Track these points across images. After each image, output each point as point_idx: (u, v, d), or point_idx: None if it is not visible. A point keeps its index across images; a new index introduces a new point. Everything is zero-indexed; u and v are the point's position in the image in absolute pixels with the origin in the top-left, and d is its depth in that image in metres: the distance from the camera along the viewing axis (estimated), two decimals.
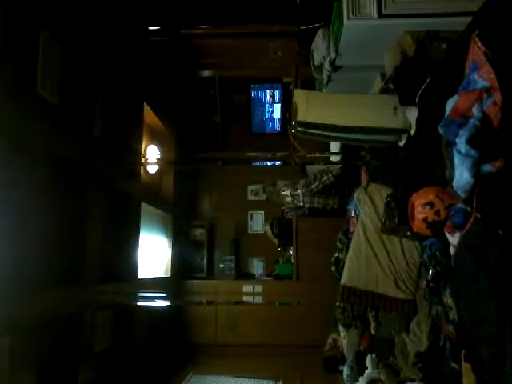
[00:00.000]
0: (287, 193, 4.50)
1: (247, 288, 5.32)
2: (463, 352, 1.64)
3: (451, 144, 1.48)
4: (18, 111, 2.22)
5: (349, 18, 2.66)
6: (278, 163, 5.97)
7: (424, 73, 2.19)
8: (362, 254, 2.57)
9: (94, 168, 3.12)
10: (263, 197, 5.69)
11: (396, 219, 2.14)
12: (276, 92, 5.92)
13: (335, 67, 3.21)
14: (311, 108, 2.64)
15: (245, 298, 5.28)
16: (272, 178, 4.81)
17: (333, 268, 3.79)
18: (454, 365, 1.75)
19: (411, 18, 2.54)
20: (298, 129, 2.69)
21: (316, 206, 4.42)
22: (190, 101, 5.85)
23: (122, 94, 3.63)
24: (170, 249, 5.30)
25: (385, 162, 3.11)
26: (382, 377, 2.68)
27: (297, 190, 4.43)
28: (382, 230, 2.44)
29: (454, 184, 1.46)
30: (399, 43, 2.53)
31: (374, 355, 3.14)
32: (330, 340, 4.32)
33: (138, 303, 4.06)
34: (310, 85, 4.06)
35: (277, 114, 5.96)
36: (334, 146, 4.57)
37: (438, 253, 1.98)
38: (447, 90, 1.74)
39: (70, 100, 2.72)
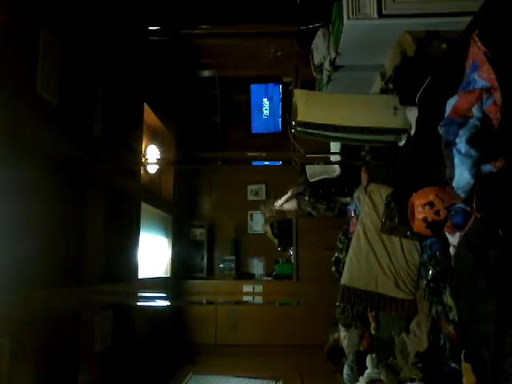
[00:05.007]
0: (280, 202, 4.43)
1: (247, 288, 5.32)
2: (463, 352, 1.64)
3: (451, 144, 1.48)
4: (18, 111, 2.22)
5: (349, 17, 2.66)
6: (278, 163, 5.97)
7: (424, 73, 2.19)
8: (362, 254, 2.57)
9: (94, 168, 3.11)
10: (263, 197, 5.70)
11: (396, 219, 2.14)
12: (276, 92, 5.92)
13: (335, 67, 3.21)
14: (311, 108, 2.64)
15: (245, 298, 5.28)
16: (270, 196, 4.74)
17: (333, 268, 3.79)
18: (453, 365, 1.76)
19: (411, 18, 2.54)
20: (298, 129, 2.69)
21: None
22: (190, 101, 5.85)
23: (122, 93, 3.63)
24: (170, 249, 5.30)
25: (385, 162, 3.11)
26: (382, 377, 2.68)
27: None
28: (381, 230, 2.44)
29: (454, 184, 1.46)
30: (399, 43, 2.53)
31: (373, 355, 3.15)
32: (336, 336, 4.30)
33: (138, 303, 4.06)
34: (310, 85, 4.05)
35: (277, 114, 5.96)
36: (334, 146, 4.56)
37: (437, 253, 1.98)
38: (447, 89, 1.74)
39: (70, 100, 2.72)
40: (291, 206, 4.36)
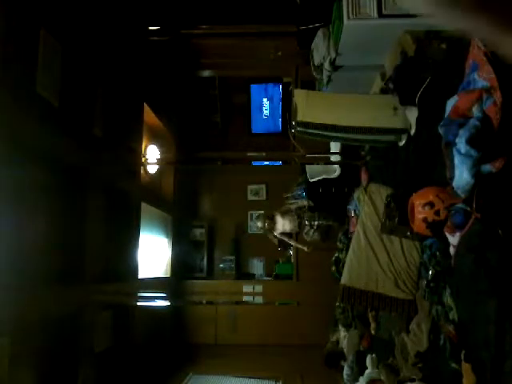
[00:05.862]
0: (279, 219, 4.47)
1: (247, 288, 5.32)
2: (463, 352, 1.64)
3: (451, 144, 1.48)
4: (17, 111, 2.21)
5: (349, 17, 2.66)
6: (278, 163, 5.97)
7: (424, 73, 2.19)
8: (362, 254, 2.57)
9: (94, 168, 3.11)
10: (263, 197, 5.71)
11: (396, 219, 2.14)
12: (276, 92, 5.92)
13: (335, 67, 3.21)
14: (311, 108, 2.64)
15: (245, 298, 5.28)
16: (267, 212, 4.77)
17: (333, 268, 3.80)
18: (453, 365, 1.75)
19: (411, 18, 2.54)
20: (298, 129, 2.69)
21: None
22: (190, 101, 5.85)
23: (122, 94, 3.63)
24: (170, 249, 5.30)
25: (385, 162, 3.11)
26: (382, 377, 2.68)
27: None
28: (381, 230, 2.44)
29: (454, 184, 1.46)
30: (399, 43, 2.53)
31: (373, 355, 3.15)
32: (334, 338, 4.31)
33: (138, 303, 4.06)
34: (310, 85, 4.05)
35: (277, 114, 5.96)
36: (334, 146, 4.57)
37: (438, 253, 1.98)
38: (447, 89, 1.74)
39: (70, 100, 2.72)
40: (286, 223, 4.39)
